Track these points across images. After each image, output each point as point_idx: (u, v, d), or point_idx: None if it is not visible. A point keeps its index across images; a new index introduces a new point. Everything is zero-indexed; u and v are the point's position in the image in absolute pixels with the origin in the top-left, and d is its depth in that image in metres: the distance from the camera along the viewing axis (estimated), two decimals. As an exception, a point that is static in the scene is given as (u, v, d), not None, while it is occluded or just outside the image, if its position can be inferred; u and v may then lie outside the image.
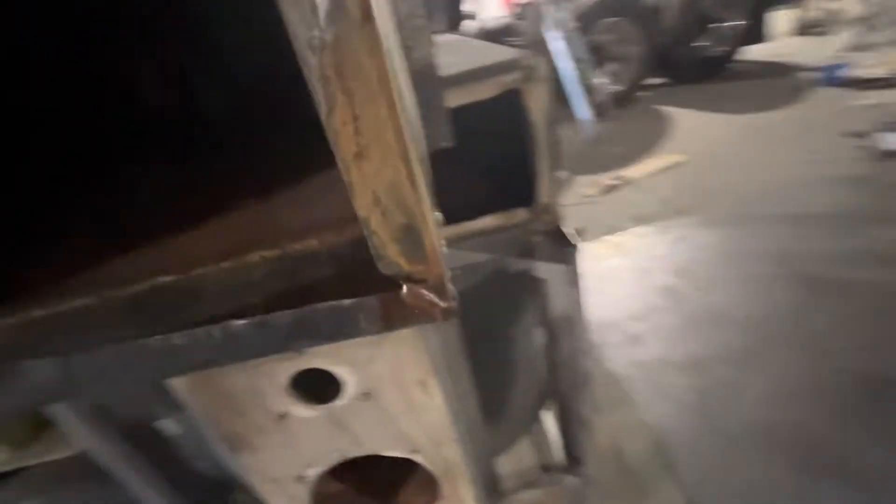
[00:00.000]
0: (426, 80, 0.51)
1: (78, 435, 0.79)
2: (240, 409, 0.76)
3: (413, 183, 0.22)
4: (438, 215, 0.31)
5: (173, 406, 0.95)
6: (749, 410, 1.78)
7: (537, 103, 0.72)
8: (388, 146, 0.21)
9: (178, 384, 0.71)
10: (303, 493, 0.91)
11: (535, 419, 1.21)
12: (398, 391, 0.79)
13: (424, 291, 0.23)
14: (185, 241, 0.36)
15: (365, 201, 0.22)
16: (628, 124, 4.70)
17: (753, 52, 5.61)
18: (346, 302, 0.24)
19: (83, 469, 1.23)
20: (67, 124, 0.50)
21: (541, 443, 1.42)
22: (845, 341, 1.90)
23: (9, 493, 1.20)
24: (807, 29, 6.33)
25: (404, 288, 0.23)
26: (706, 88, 5.24)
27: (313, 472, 0.88)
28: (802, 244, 2.55)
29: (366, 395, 0.79)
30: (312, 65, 0.18)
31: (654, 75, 5.34)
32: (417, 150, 0.26)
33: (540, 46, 0.91)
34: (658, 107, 5.03)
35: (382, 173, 0.22)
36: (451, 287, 0.24)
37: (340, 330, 0.25)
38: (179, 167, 0.48)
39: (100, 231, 0.40)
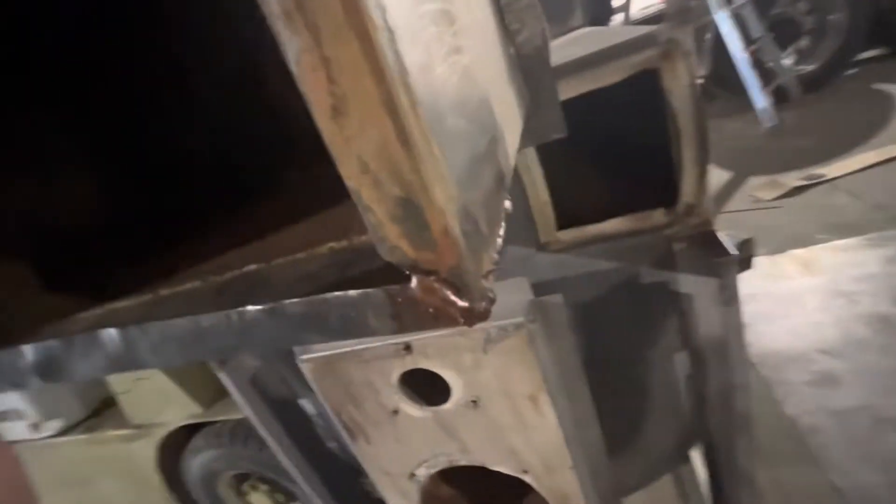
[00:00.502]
0: (534, 65, 0.47)
1: (238, 403, 0.92)
2: (357, 400, 0.81)
3: (409, 144, 0.17)
4: (508, 204, 0.26)
5: (309, 388, 1.05)
6: None
7: (679, 84, 0.60)
8: (368, 96, 0.17)
9: (306, 368, 0.78)
10: (414, 491, 0.92)
11: (678, 460, 1.03)
12: (506, 403, 0.74)
13: (437, 286, 0.19)
14: (287, 235, 0.38)
15: (351, 169, 0.18)
16: (823, 111, 3.78)
17: None
18: (352, 293, 0.21)
19: (248, 431, 1.46)
20: (219, 146, 0.58)
21: (689, 488, 1.21)
22: None
23: (198, 441, 1.50)
24: None
25: (413, 281, 0.19)
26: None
27: (424, 472, 0.88)
28: None
29: (473, 403, 0.76)
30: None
31: (864, 48, 4.15)
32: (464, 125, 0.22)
33: (684, 16, 0.76)
34: (871, 86, 3.93)
35: (367, 131, 0.18)
36: (481, 283, 0.20)
37: (348, 325, 0.22)
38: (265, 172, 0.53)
39: (229, 228, 0.45)
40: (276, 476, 1.46)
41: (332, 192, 0.35)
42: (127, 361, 0.28)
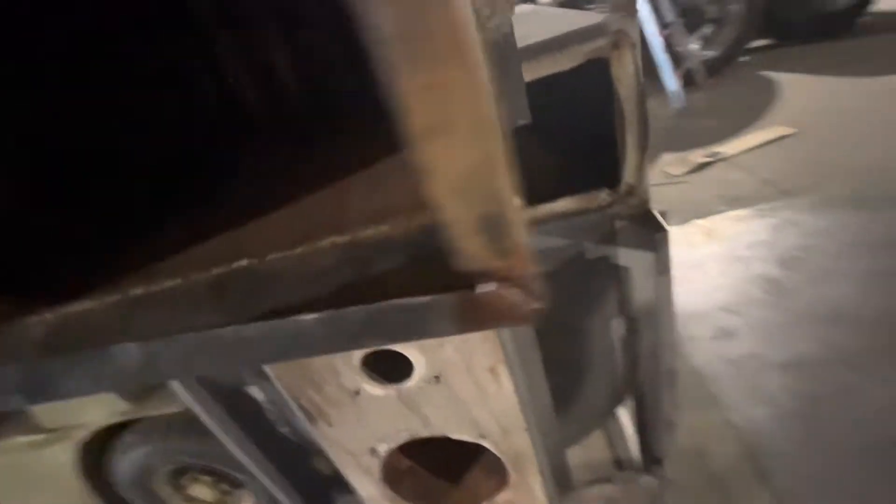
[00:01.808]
0: (504, 52, 0.47)
1: (181, 394, 0.87)
2: (317, 384, 0.80)
3: (500, 164, 0.19)
4: (519, 200, 0.28)
5: (261, 375, 1.02)
6: (862, 421, 1.56)
7: (626, 72, 0.65)
8: (468, 120, 0.18)
9: (263, 357, 0.75)
10: (375, 466, 0.94)
11: (611, 414, 1.15)
12: (468, 377, 0.78)
13: (509, 291, 0.20)
14: (264, 226, 0.37)
15: (441, 186, 0.19)
16: (724, 95, 4.20)
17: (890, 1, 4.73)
18: (421, 300, 0.22)
19: (188, 423, 1.39)
20: (165, 119, 0.53)
21: (616, 439, 1.35)
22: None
23: (128, 438, 1.39)
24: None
25: (485, 286, 0.21)
26: (824, 49, 4.50)
27: (385, 448, 0.91)
28: (944, 232, 2.14)
29: (436, 379, 0.79)
30: (372, 20, 0.16)
31: (757, 37, 4.65)
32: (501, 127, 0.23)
33: (629, 8, 0.82)
34: (762, 73, 4.43)
35: (463, 153, 0.19)
36: (538, 285, 0.21)
37: (411, 329, 0.23)
38: (255, 154, 0.50)
39: (190, 217, 0.42)
40: (222, 466, 1.41)
41: (298, 181, 0.34)
42: (145, 375, 0.26)
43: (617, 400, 1.12)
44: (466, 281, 0.21)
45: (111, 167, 0.44)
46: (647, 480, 1.17)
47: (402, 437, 0.89)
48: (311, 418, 0.85)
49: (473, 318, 0.22)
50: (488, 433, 0.91)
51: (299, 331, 0.24)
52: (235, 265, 0.29)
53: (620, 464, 1.35)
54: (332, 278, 0.24)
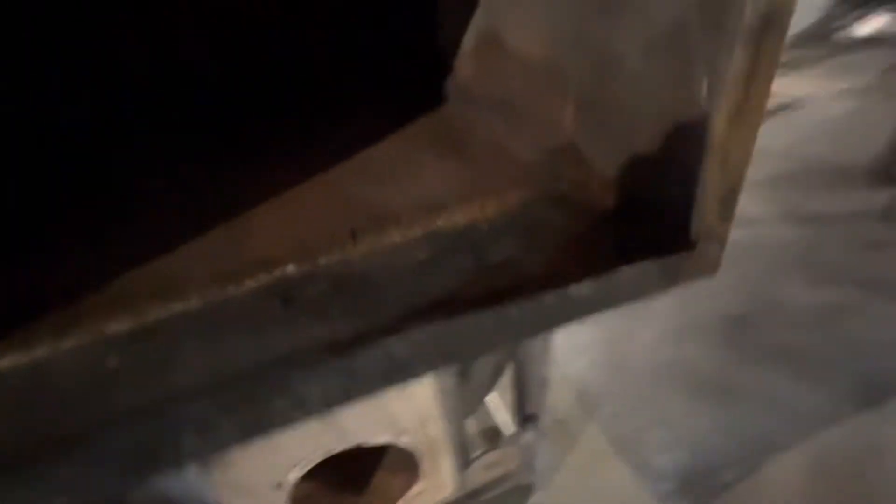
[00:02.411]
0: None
1: None
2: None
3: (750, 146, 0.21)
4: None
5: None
6: (646, 352, 2.08)
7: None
8: (760, 106, 0.23)
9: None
10: (280, 501, 0.83)
11: (497, 382, 1.26)
12: (391, 374, 0.75)
13: (716, 247, 0.22)
14: (293, 227, 0.29)
15: (718, 170, 0.21)
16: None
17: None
18: (647, 264, 0.21)
19: None
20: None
21: (496, 404, 1.48)
22: (711, 289, 2.31)
23: None
24: None
25: (708, 245, 0.23)
26: None
27: (293, 477, 0.81)
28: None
29: (356, 384, 0.74)
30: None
31: None
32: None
33: None
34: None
35: (742, 137, 0.20)
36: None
37: (632, 293, 0.23)
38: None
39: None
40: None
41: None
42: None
43: (503, 367, 1.22)
44: (681, 242, 0.22)
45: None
46: (527, 437, 1.32)
47: (315, 459, 0.80)
48: (203, 465, 0.70)
49: (684, 273, 0.23)
50: (407, 429, 0.90)
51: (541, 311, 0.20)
52: (287, 270, 0.22)
53: (496, 430, 1.47)
54: (447, 271, 0.21)
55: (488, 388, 1.27)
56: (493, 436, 1.40)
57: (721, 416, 1.74)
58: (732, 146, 0.24)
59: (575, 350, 2.15)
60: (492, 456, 1.25)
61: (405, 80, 0.54)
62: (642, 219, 0.28)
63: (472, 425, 1.32)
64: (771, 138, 3.49)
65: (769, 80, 0.23)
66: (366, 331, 0.20)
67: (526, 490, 1.50)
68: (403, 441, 0.93)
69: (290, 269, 0.24)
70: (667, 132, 0.25)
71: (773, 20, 0.20)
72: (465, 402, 1.10)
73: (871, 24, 5.32)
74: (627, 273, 0.25)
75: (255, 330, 0.21)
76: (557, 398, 1.91)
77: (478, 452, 1.23)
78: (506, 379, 1.35)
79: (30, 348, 0.22)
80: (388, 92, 0.54)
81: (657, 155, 0.26)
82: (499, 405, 1.44)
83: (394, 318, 0.21)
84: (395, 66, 0.56)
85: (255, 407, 0.19)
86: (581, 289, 0.24)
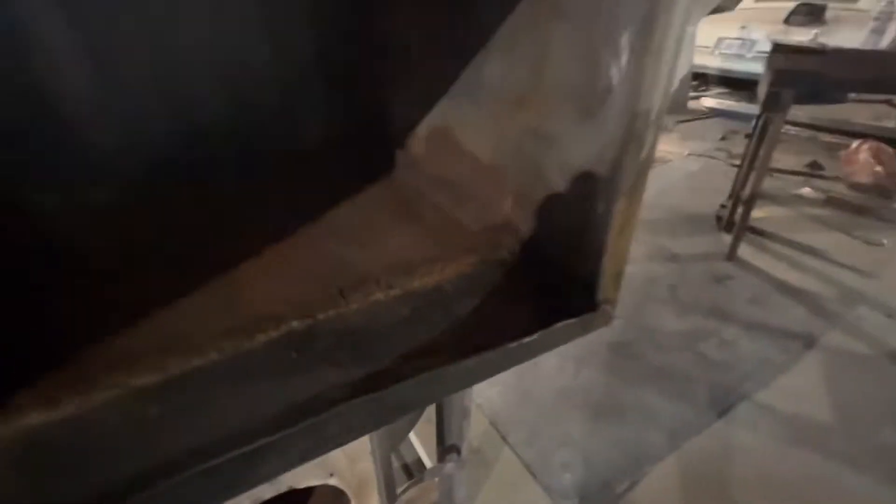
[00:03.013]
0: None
1: None
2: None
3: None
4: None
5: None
6: (549, 380, 2.28)
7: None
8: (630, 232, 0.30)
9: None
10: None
11: (422, 413, 1.31)
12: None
13: (611, 307, 0.32)
14: (283, 286, 0.34)
15: (618, 261, 0.30)
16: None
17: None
18: (569, 321, 0.30)
19: None
20: None
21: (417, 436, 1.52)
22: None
23: None
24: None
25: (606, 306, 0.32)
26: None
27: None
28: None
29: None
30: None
31: None
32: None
33: None
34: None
35: (628, 241, 0.30)
36: None
37: (566, 338, 0.31)
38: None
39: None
40: None
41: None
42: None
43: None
44: (590, 306, 0.31)
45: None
46: (448, 468, 1.39)
47: (242, 509, 0.78)
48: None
49: (589, 328, 0.32)
50: (337, 468, 0.91)
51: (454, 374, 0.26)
52: (292, 326, 0.27)
53: (419, 463, 1.51)
54: (426, 324, 0.28)
55: (413, 421, 1.33)
56: (416, 469, 1.44)
57: (612, 434, 1.97)
58: (620, 245, 0.36)
59: (486, 382, 2.29)
60: (415, 489, 1.29)
61: (359, 145, 0.61)
62: (565, 289, 0.39)
63: (395, 460, 1.35)
64: (642, 188, 4.12)
65: (640, 203, 0.35)
66: (377, 373, 0.26)
67: (446, 522, 1.54)
68: (333, 481, 0.94)
69: (295, 324, 0.29)
70: (579, 233, 0.36)
71: (643, 175, 0.31)
72: (393, 437, 1.15)
73: (709, 100, 6.61)
74: (561, 327, 0.35)
75: (277, 376, 0.26)
76: (472, 428, 2.00)
77: (402, 487, 1.26)
78: (428, 411, 1.41)
79: (56, 405, 0.23)
80: (341, 154, 0.60)
81: (572, 247, 0.36)
82: (421, 438, 1.49)
83: (396, 363, 0.27)
84: (351, 131, 0.62)
85: (297, 442, 0.24)
86: (534, 338, 0.33)
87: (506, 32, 0.40)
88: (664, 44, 0.29)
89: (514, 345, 0.34)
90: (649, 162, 0.34)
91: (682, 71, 6.20)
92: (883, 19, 5.34)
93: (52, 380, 0.26)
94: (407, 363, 0.28)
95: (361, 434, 0.29)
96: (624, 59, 0.31)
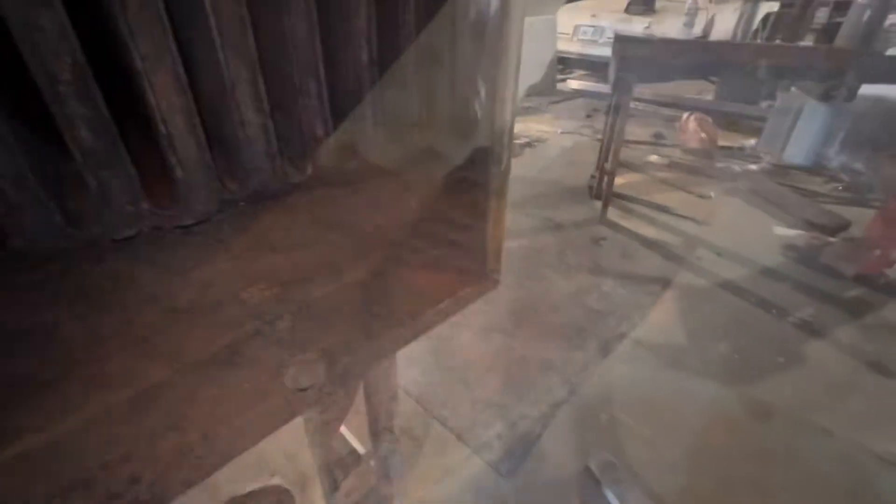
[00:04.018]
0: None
1: None
2: None
3: None
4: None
5: None
6: (464, 350, 2.47)
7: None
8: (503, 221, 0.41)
9: None
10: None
11: (353, 400, 1.38)
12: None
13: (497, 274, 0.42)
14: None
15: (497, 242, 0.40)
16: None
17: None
18: (470, 288, 0.39)
19: None
20: None
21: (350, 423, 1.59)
22: (502, 290, 2.88)
23: None
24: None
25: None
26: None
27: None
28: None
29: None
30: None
31: None
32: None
33: None
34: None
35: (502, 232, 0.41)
36: None
37: (467, 303, 0.40)
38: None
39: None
40: None
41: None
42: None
43: (356, 388, 1.36)
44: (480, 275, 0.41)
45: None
46: (385, 448, 1.49)
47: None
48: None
49: (483, 291, 0.42)
50: (277, 468, 0.96)
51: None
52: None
53: (353, 450, 1.59)
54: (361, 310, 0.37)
55: (345, 410, 1.40)
56: (351, 458, 1.52)
57: (522, 386, 2.23)
58: (497, 231, 0.48)
59: (407, 363, 2.41)
60: (354, 476, 1.37)
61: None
62: (463, 266, 0.51)
63: (332, 449, 1.42)
64: (526, 168, 4.51)
65: (506, 200, 0.48)
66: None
67: (387, 501, 1.64)
68: (276, 481, 0.99)
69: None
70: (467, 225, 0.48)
71: (505, 179, 0.44)
72: (327, 428, 1.21)
73: (573, 82, 7.34)
74: (463, 293, 0.46)
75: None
76: (400, 408, 2.11)
77: (341, 475, 1.33)
78: (358, 398, 1.49)
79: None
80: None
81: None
82: (353, 424, 1.56)
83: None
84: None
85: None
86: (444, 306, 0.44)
87: (398, 72, 0.50)
88: (507, 82, 0.42)
89: (431, 311, 0.45)
90: (508, 171, 0.46)
91: (547, 56, 6.80)
92: (691, 13, 6.53)
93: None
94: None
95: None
96: (483, 94, 0.43)
